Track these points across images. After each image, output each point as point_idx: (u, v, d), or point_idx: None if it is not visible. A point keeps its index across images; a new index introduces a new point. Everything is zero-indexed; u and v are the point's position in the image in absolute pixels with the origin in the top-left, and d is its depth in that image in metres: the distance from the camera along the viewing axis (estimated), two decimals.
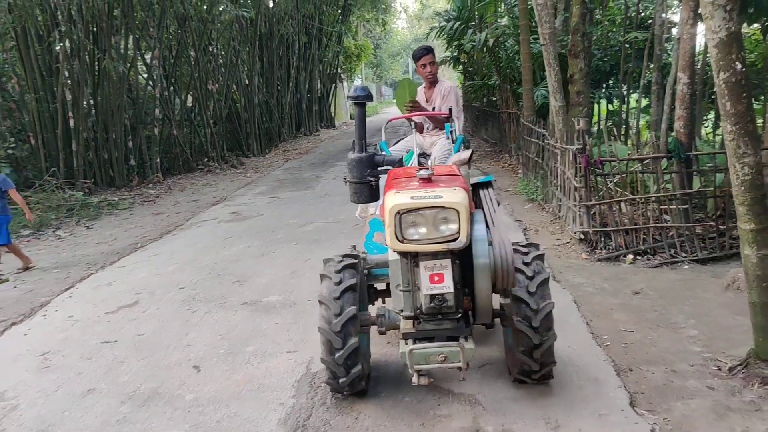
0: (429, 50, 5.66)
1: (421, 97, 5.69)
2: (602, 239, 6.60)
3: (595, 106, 14.57)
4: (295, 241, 7.63)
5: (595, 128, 13.51)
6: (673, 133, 6.83)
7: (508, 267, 3.16)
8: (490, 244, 3.24)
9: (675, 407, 3.42)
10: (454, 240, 3.01)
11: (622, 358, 4.06)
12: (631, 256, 6.32)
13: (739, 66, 3.26)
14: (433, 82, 5.68)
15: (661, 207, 6.70)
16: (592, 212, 6.69)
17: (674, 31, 12.35)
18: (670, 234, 6.43)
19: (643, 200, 6.59)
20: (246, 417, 3.52)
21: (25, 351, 4.80)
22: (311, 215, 9.10)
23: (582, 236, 6.64)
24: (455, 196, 3.04)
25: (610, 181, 6.79)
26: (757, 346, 3.71)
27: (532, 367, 3.46)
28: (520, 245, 3.62)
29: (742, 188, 3.45)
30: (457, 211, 3.00)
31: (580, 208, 6.64)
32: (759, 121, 9.56)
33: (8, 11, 10.75)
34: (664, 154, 6.56)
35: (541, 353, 3.39)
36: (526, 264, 3.46)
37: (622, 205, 6.65)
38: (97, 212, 10.92)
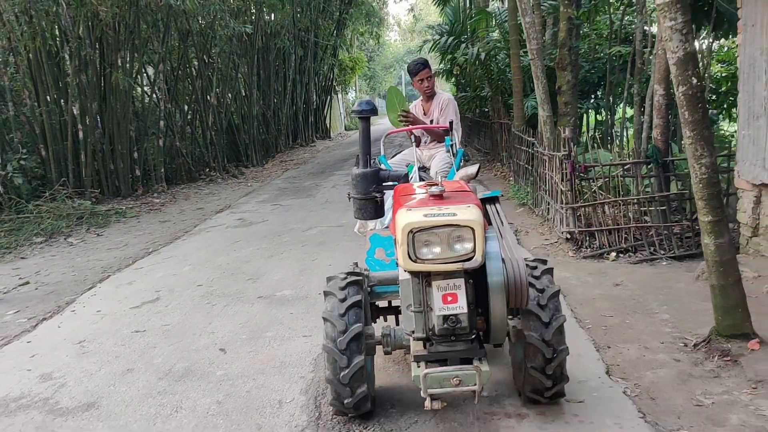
0: (426, 64, 5.62)
1: (419, 110, 5.68)
2: (587, 239, 7.13)
3: (584, 116, 15.18)
4: (301, 244, 8.14)
5: (584, 137, 14.08)
6: (652, 141, 7.40)
7: (522, 284, 3.08)
8: (503, 261, 3.16)
9: (645, 375, 3.94)
10: (469, 259, 2.94)
11: (601, 338, 4.59)
12: (614, 254, 6.85)
13: (695, 80, 3.81)
14: (430, 95, 5.64)
15: (641, 209, 7.24)
16: (577, 214, 7.22)
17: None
18: (650, 233, 6.96)
19: (624, 202, 7.13)
20: (272, 388, 4.02)
21: (62, 340, 5.28)
22: (314, 220, 9.61)
23: (568, 236, 7.18)
24: (470, 213, 2.96)
25: (594, 185, 7.33)
26: (717, 324, 4.23)
27: (545, 383, 3.35)
28: (528, 261, 3.54)
29: (700, 185, 3.99)
30: (473, 229, 2.91)
31: (566, 210, 7.19)
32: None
33: (24, 30, 11.23)
34: (642, 159, 7.12)
35: (554, 368, 3.30)
36: (536, 278, 3.40)
37: (606, 207, 7.19)
38: (106, 220, 11.37)
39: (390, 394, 3.83)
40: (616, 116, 14.57)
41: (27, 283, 7.38)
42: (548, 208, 8.09)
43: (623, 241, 7.00)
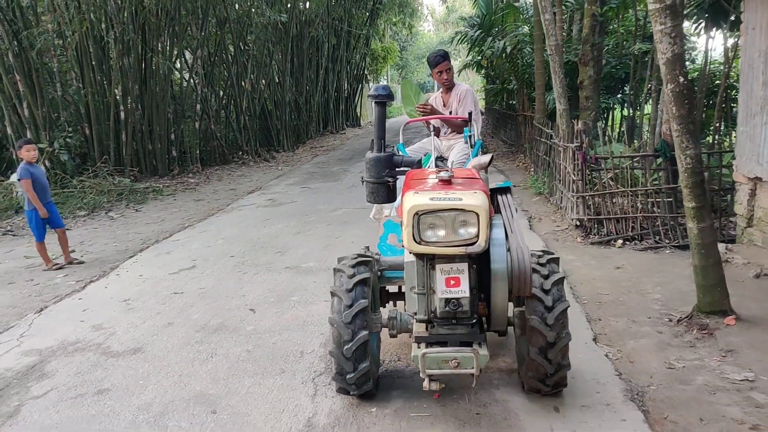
0: (445, 56, 5.62)
1: (438, 101, 5.69)
2: (595, 226, 7.53)
3: (611, 111, 15.44)
4: (326, 223, 8.68)
5: (608, 132, 14.35)
6: (662, 136, 7.76)
7: (526, 273, 3.09)
8: (508, 250, 3.19)
9: (628, 343, 4.39)
10: (473, 244, 2.99)
11: (595, 312, 5.03)
12: (620, 241, 7.24)
13: (682, 79, 4.22)
14: (449, 87, 5.63)
15: (650, 200, 7.62)
16: (587, 203, 7.62)
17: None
18: (656, 223, 7.33)
19: (633, 193, 7.51)
20: (295, 341, 4.56)
21: (109, 298, 5.90)
22: (339, 203, 10.15)
23: (578, 223, 7.60)
24: (475, 199, 3.01)
25: (605, 176, 7.72)
26: (699, 301, 4.66)
27: (546, 369, 3.37)
28: (535, 251, 3.59)
29: (686, 174, 4.41)
30: (477, 215, 2.97)
31: (576, 198, 7.60)
32: None
33: (72, 15, 11.91)
34: (651, 153, 7.49)
35: (555, 353, 3.33)
36: (542, 265, 3.45)
37: (615, 197, 7.58)
38: (144, 197, 12.05)
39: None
40: (645, 112, 14.83)
41: (73, 251, 8.02)
42: (561, 197, 8.51)
43: (630, 230, 7.39)
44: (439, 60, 5.48)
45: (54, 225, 7.23)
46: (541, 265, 3.43)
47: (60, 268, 7.13)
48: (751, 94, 5.87)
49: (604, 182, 7.78)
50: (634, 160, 7.60)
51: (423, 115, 5.41)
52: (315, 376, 4.02)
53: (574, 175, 7.64)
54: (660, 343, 4.38)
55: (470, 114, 5.15)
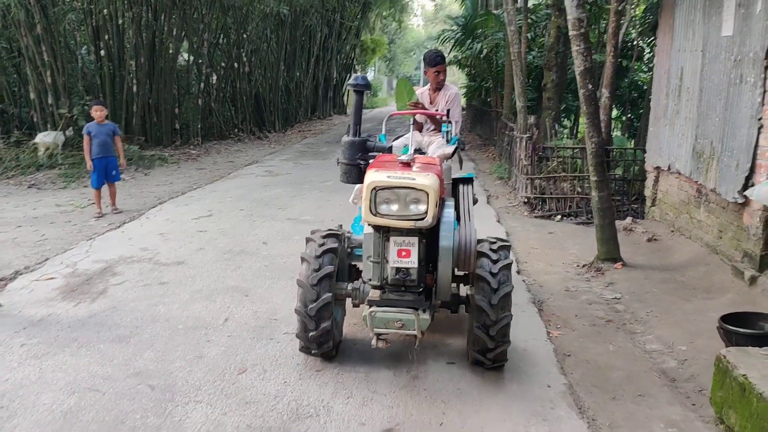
0: (444, 58, 5.77)
1: (425, 98, 5.79)
2: (540, 203, 9.20)
3: (578, 111, 17.15)
4: (318, 190, 10.27)
5: (566, 129, 16.07)
6: None
7: (470, 251, 3.52)
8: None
9: (541, 276, 6.04)
10: (422, 219, 3.33)
11: (523, 258, 6.67)
12: (559, 217, 8.91)
13: (590, 86, 5.86)
14: (439, 87, 5.73)
15: (586, 184, 9.28)
16: (534, 184, 9.28)
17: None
18: (590, 203, 9.01)
19: (573, 178, 9.18)
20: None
21: (147, 232, 7.42)
22: (329, 176, 11.70)
23: (526, 200, 9.26)
24: (427, 179, 3.36)
25: (550, 162, 9.38)
26: (598, 251, 6.32)
27: (488, 344, 3.68)
28: (490, 238, 3.95)
29: (591, 156, 6.06)
30: (427, 194, 3.31)
31: (526, 179, 9.26)
32: None
33: None
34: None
35: (497, 330, 3.64)
36: (493, 250, 3.77)
37: (558, 180, 9.25)
38: (151, 163, 13.48)
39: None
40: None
41: (95, 203, 9.46)
42: (516, 180, 10.17)
43: (568, 208, 9.07)
44: (439, 60, 5.63)
45: (109, 178, 8.52)
46: (493, 251, 3.78)
47: (101, 216, 8.38)
48: (658, 102, 7.56)
49: (550, 169, 9.44)
50: (574, 150, 9.28)
51: (415, 107, 5.51)
52: None
53: (525, 160, 9.30)
54: (564, 278, 6.05)
55: (448, 111, 5.29)
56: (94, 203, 8.71)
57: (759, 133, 5.19)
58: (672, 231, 7.14)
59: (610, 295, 5.55)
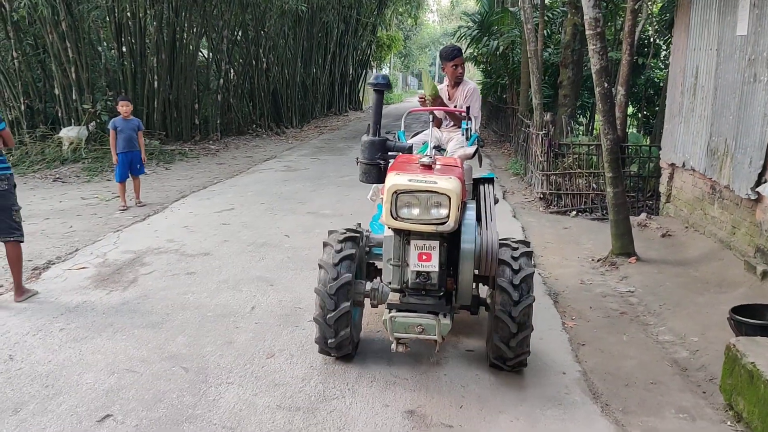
0: (461, 52, 5.75)
1: (444, 94, 5.75)
2: (555, 199, 9.33)
3: (594, 108, 17.22)
4: (336, 185, 10.46)
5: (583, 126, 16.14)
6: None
7: (492, 255, 3.44)
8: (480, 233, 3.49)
9: (556, 270, 6.19)
10: (443, 223, 3.27)
11: (539, 252, 6.81)
12: (574, 212, 9.03)
13: (606, 84, 5.98)
14: (458, 82, 5.71)
15: (602, 180, 9.39)
16: (550, 180, 9.41)
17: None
18: (605, 199, 9.12)
19: (588, 174, 9.29)
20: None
21: (171, 225, 7.64)
22: (346, 171, 11.89)
23: (541, 196, 9.39)
24: (449, 183, 3.29)
25: (566, 159, 9.50)
26: (612, 246, 6.46)
27: (507, 354, 3.67)
28: (511, 240, 3.86)
29: (606, 152, 6.19)
30: (449, 197, 3.25)
31: (542, 176, 9.39)
32: None
33: None
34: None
35: (517, 342, 3.62)
36: (514, 258, 3.67)
37: (573, 176, 9.37)
38: (172, 158, 13.74)
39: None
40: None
41: (119, 196, 9.70)
42: (531, 176, 10.30)
43: (583, 204, 9.19)
44: (456, 54, 5.62)
45: (133, 172, 8.77)
46: (514, 258, 3.69)
47: (126, 209, 8.61)
48: (673, 100, 7.66)
49: (566, 165, 9.56)
50: (590, 147, 9.39)
51: (433, 103, 5.48)
52: None
53: (541, 157, 9.43)
54: (579, 271, 6.19)
55: (468, 109, 5.26)
56: (118, 196, 8.94)
57: None
58: (686, 227, 7.25)
59: (624, 288, 5.68)
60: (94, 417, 3.33)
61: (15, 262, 5.05)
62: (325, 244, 3.87)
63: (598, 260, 6.53)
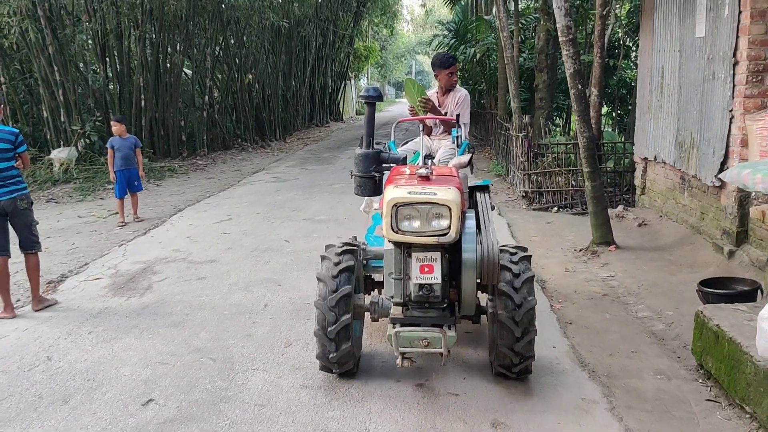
0: (456, 60, 5.77)
1: (434, 101, 5.68)
2: (537, 197, 9.81)
3: (569, 110, 17.78)
4: (328, 193, 10.87)
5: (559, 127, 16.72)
6: None
7: (494, 264, 3.40)
8: (480, 242, 3.46)
9: (543, 260, 6.64)
10: (444, 235, 3.26)
11: (524, 245, 7.24)
12: (555, 208, 9.52)
13: (580, 86, 6.48)
14: (450, 89, 5.69)
15: (580, 177, 9.90)
16: (531, 179, 9.90)
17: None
18: (584, 195, 9.62)
19: (566, 172, 9.79)
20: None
21: (174, 236, 8.00)
22: (335, 180, 12.32)
23: (524, 194, 9.87)
24: (449, 194, 3.29)
25: (545, 158, 10.00)
26: (593, 236, 6.93)
27: (512, 359, 3.63)
28: (509, 247, 3.85)
29: (583, 149, 6.68)
30: (449, 208, 3.25)
31: (523, 175, 9.88)
32: None
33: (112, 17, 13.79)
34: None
35: (522, 346, 3.58)
36: (514, 263, 3.64)
37: (553, 174, 9.86)
38: (162, 174, 14.05)
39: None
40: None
41: (117, 213, 10.00)
42: (513, 176, 10.79)
43: (563, 200, 9.69)
44: (452, 62, 5.63)
45: (131, 189, 9.04)
46: (514, 263, 3.66)
47: (125, 225, 8.90)
48: (643, 99, 8.20)
49: (545, 164, 10.06)
50: (567, 146, 9.90)
51: (424, 109, 5.45)
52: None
53: (521, 157, 9.92)
54: (563, 260, 6.66)
55: (458, 116, 5.27)
56: (115, 213, 9.26)
57: (731, 123, 5.82)
58: (660, 216, 7.76)
59: (605, 273, 6.16)
60: (138, 402, 3.71)
61: (33, 270, 5.39)
62: (323, 258, 3.86)
63: (580, 250, 7.00)
